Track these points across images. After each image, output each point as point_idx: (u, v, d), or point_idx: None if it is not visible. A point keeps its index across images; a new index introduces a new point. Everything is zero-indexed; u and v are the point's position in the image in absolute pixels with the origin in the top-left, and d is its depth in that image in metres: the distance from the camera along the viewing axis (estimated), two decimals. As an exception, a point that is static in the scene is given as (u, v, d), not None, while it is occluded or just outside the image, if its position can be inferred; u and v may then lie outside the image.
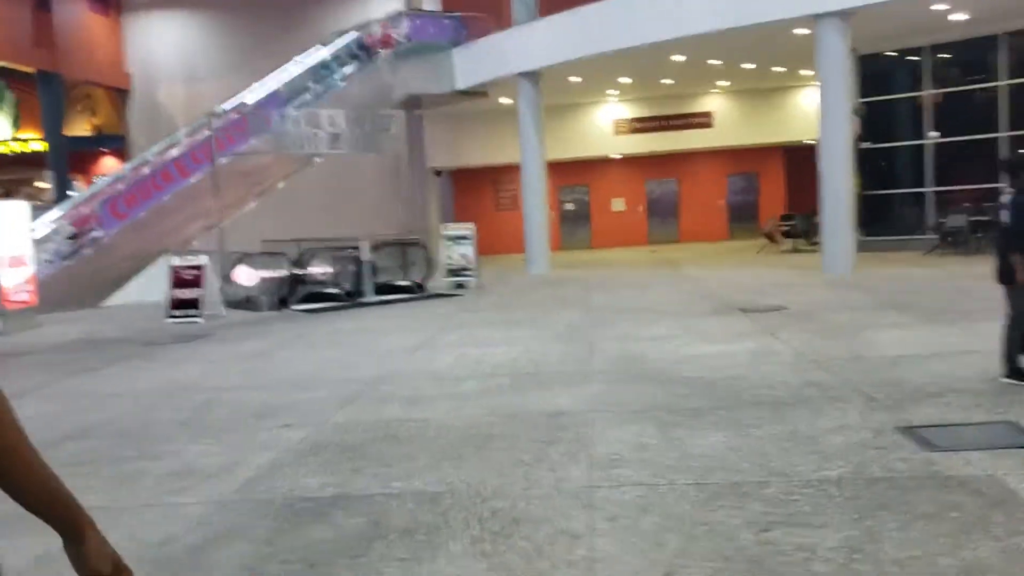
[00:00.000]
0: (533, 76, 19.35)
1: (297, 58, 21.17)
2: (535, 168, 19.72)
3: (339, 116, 15.82)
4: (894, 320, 10.03)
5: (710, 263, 19.82)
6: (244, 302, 15.19)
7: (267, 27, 28.33)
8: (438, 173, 26.91)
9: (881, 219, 19.41)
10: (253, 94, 18.87)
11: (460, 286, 16.84)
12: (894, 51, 18.94)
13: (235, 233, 21.00)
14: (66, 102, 28.53)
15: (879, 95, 19.13)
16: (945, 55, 18.47)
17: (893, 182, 19.37)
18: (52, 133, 25.72)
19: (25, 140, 28.60)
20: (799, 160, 24.76)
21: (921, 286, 13.11)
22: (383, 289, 16.05)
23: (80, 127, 30.02)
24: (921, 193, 18.78)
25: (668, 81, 22.77)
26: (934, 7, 15.46)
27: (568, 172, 27.98)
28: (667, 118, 25.81)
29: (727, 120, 25.55)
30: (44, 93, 25.55)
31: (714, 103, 25.69)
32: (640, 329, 10.42)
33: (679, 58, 19.08)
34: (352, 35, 20.71)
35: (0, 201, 15.09)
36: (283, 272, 14.93)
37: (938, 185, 18.46)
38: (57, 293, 15.64)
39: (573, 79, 21.00)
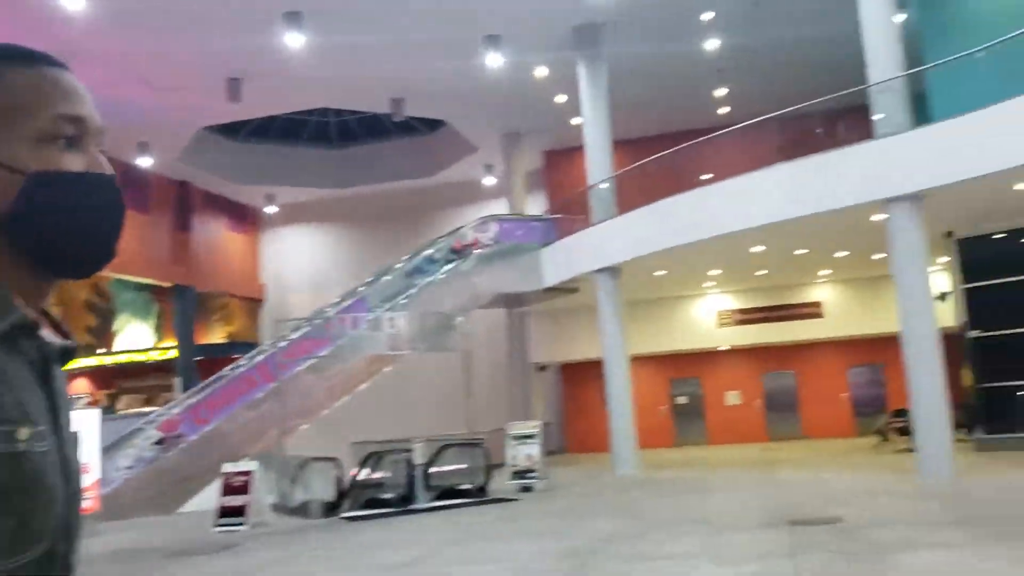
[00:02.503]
0: (613, 271, 19.23)
1: (396, 265, 22.22)
2: (618, 364, 19.23)
3: (400, 318, 16.11)
4: (947, 539, 8.66)
5: (813, 464, 18.30)
6: (300, 508, 15.10)
7: (387, 236, 30.06)
8: (542, 368, 26.72)
9: (1003, 415, 17.45)
10: (343, 301, 19.68)
11: (526, 489, 16.16)
12: (1000, 233, 17.63)
13: (327, 435, 21.38)
14: (204, 312, 30.78)
15: (985, 279, 17.69)
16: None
17: (1013, 373, 17.46)
18: (184, 341, 27.57)
19: (165, 348, 30.80)
20: (947, 348, 22.99)
21: (1017, 496, 11.44)
22: (445, 494, 15.68)
23: (216, 335, 32.13)
24: (1047, 384, 16.83)
25: (762, 272, 22.06)
26: (1017, 187, 14.36)
27: (679, 364, 27.18)
28: (772, 308, 24.88)
29: (839, 310, 24.32)
30: (178, 305, 27.66)
31: (822, 293, 24.59)
32: (662, 545, 9.50)
33: (759, 248, 18.51)
34: (443, 241, 21.51)
35: (85, 409, 16.00)
36: (334, 477, 14.79)
37: (1063, 375, 16.52)
38: (137, 498, 16.16)
39: (658, 273, 20.72)
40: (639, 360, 26.91)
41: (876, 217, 15.26)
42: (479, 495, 15.68)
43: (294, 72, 20.93)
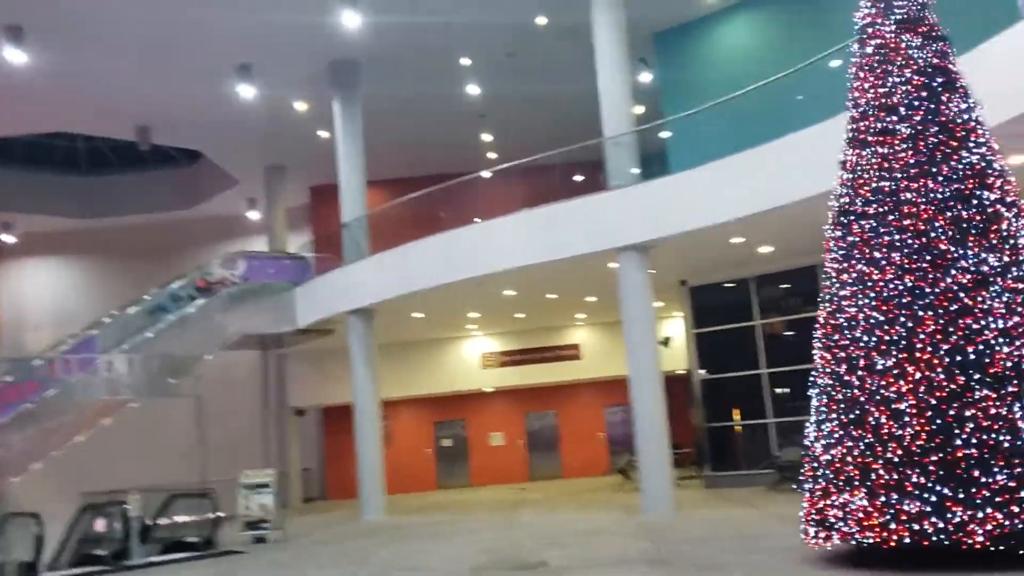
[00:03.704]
0: (365, 313, 18.96)
1: (141, 301, 20.89)
2: (368, 407, 18.92)
3: (122, 361, 15.05)
4: (634, 580, 8.93)
5: (555, 504, 18.65)
6: (-2, 569, 13.64)
7: (141, 271, 28.23)
8: (300, 412, 25.88)
9: (726, 453, 18.59)
10: (69, 341, 18.22)
11: (260, 540, 15.44)
12: (729, 282, 18.86)
13: (65, 482, 19.68)
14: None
15: (713, 325, 18.86)
16: (772, 285, 18.40)
17: (734, 414, 18.66)
18: None
19: None
20: (675, 391, 24.17)
21: (719, 532, 12.06)
22: (172, 547, 14.73)
23: (-58, 374, 28.94)
24: (763, 425, 18.05)
25: (520, 315, 22.53)
26: (733, 240, 15.43)
27: (444, 407, 27.18)
28: (535, 351, 25.46)
29: (595, 352, 25.18)
30: None
31: (580, 335, 25.44)
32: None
33: (511, 292, 18.86)
34: (187, 278, 20.47)
35: None
36: (35, 532, 13.45)
37: (776, 416, 17.78)
38: None
39: (416, 315, 20.64)
40: (403, 403, 26.76)
41: (613, 264, 15.88)
42: (206, 548, 14.83)
43: (23, 92, 19.39)
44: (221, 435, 24.77)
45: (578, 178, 20.04)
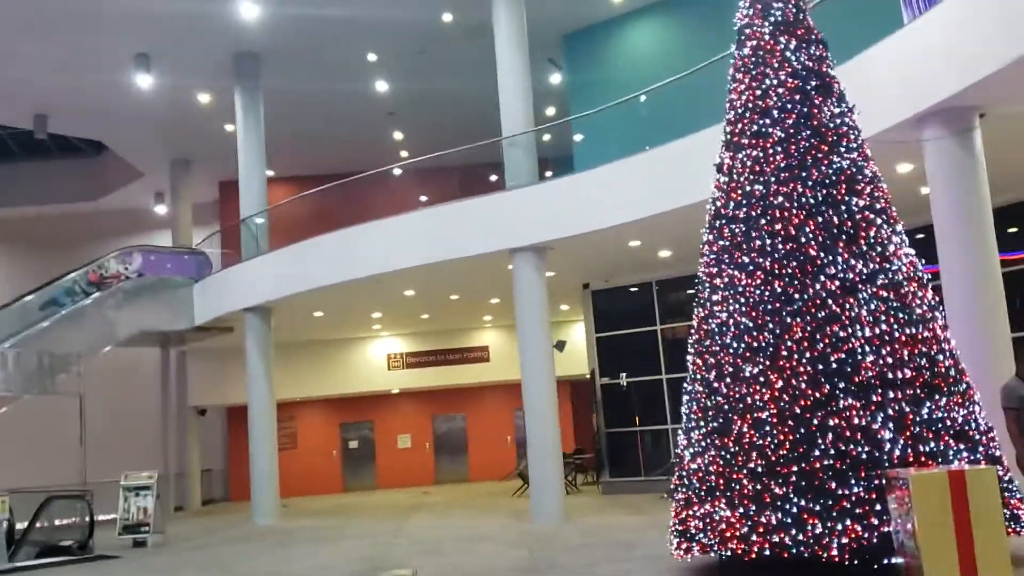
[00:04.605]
0: (262, 311, 18.40)
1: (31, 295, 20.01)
2: (263, 407, 18.32)
3: (-9, 356, 14.32)
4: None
5: (451, 509, 18.34)
6: None
7: (43, 264, 27.05)
8: (202, 412, 25.10)
9: (625, 459, 18.50)
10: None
11: (139, 544, 14.83)
12: (631, 286, 18.79)
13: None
14: None
15: (615, 329, 18.78)
16: (674, 290, 18.38)
17: (634, 419, 18.58)
18: None
19: None
20: (580, 395, 24.07)
21: (600, 540, 11.87)
22: (47, 551, 14.06)
23: None
24: (663, 431, 18.01)
25: (425, 316, 22.18)
26: (632, 243, 15.32)
27: (351, 408, 26.70)
28: (443, 352, 25.14)
29: (504, 354, 24.88)
30: None
31: (489, 337, 25.18)
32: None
33: (410, 292, 18.49)
34: (80, 271, 19.65)
35: None
36: None
37: (675, 422, 17.73)
38: None
39: (317, 314, 20.12)
40: (310, 404, 26.21)
41: (511, 266, 15.63)
42: (81, 552, 14.19)
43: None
44: (122, 434, 24.01)
45: (493, 178, 19.84)
